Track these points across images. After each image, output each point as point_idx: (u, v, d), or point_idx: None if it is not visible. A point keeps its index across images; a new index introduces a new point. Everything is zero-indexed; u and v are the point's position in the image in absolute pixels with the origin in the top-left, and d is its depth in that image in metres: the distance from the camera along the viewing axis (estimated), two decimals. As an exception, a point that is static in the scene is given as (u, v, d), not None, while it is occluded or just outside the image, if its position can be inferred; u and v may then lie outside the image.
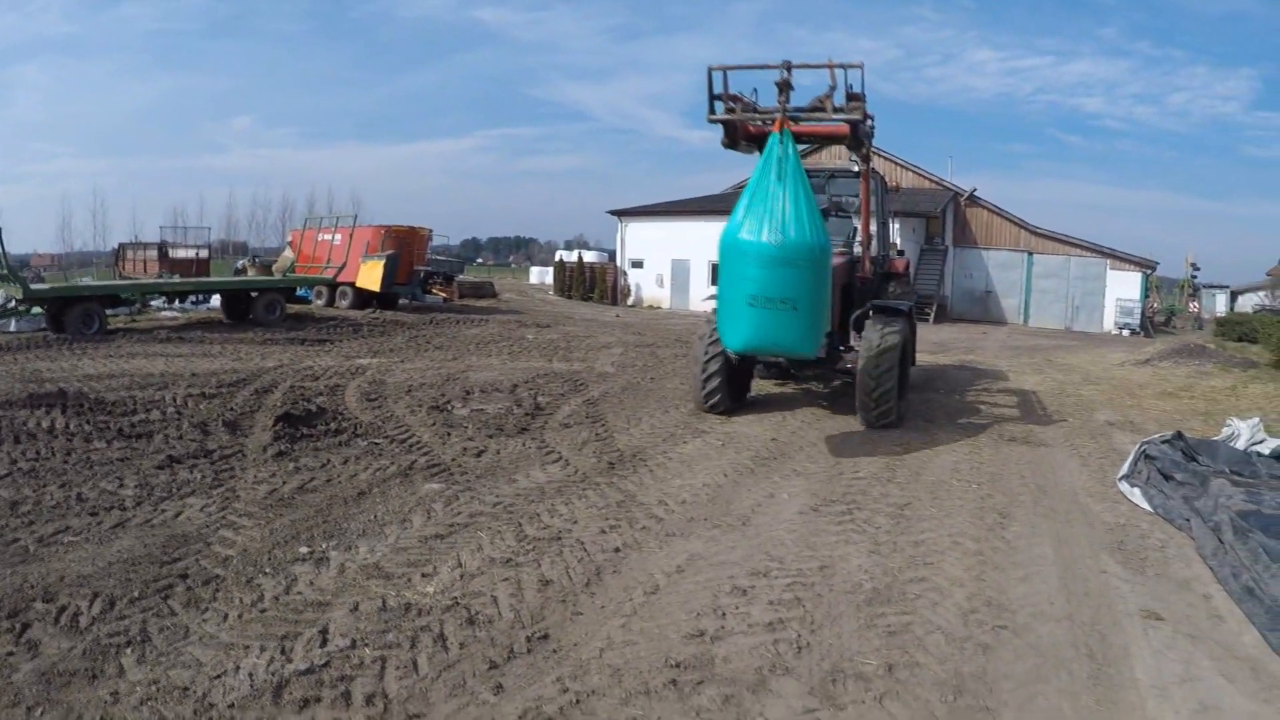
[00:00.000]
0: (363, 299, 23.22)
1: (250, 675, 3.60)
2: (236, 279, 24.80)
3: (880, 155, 32.65)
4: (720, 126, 8.24)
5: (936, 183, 34.31)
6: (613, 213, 36.01)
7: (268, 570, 4.77)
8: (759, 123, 8.22)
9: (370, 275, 22.56)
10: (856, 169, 10.55)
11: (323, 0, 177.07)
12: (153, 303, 20.19)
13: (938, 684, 3.75)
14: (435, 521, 5.74)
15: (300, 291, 23.50)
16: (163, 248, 32.65)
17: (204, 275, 29.27)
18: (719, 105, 8.00)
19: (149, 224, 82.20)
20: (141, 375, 11.07)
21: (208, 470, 6.72)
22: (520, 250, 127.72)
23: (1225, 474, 6.95)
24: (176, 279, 24.27)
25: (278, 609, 4.28)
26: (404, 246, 24.67)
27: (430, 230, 28.52)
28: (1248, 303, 41.15)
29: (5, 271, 15.73)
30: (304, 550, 5.10)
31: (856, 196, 10.82)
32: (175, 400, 9.33)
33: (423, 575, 4.79)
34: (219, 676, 3.58)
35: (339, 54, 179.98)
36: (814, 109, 7.76)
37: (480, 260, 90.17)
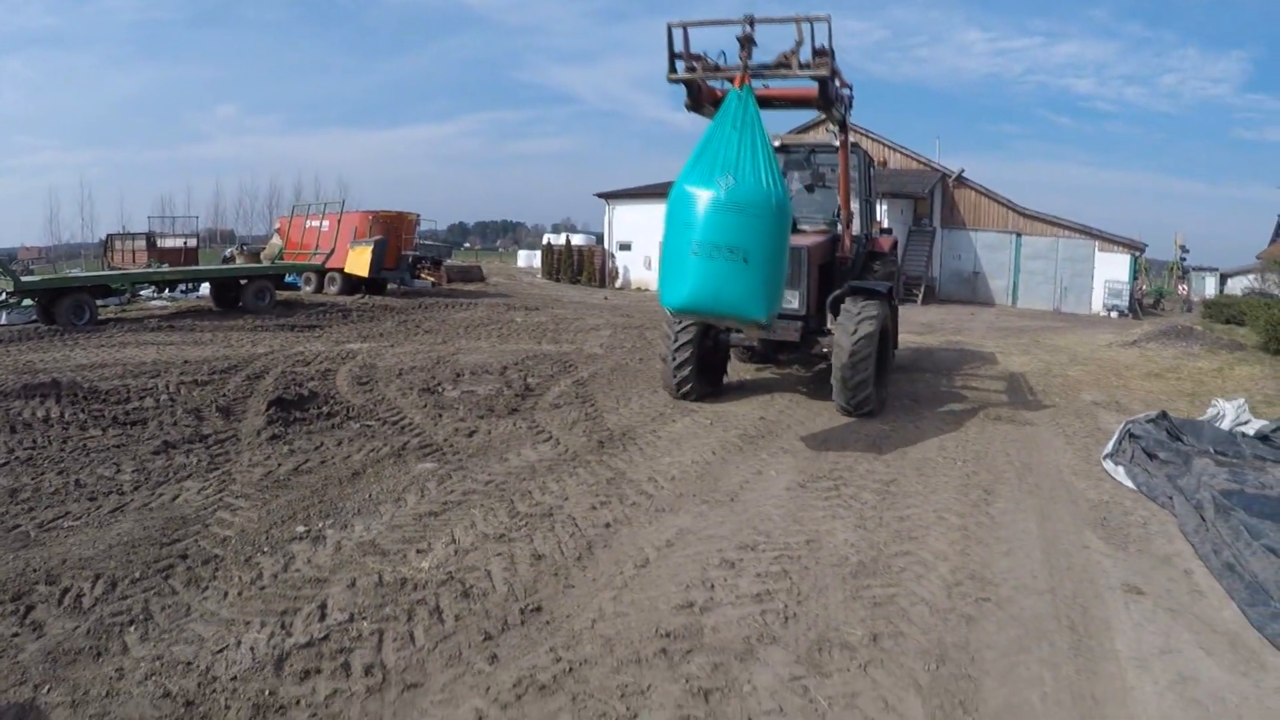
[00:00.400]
0: (351, 284, 23.23)
1: (252, 649, 3.68)
2: (225, 267, 24.71)
3: (868, 136, 32.67)
4: (683, 88, 7.72)
5: (924, 164, 34.22)
6: (600, 195, 35.94)
7: (266, 549, 4.84)
8: (721, 83, 7.67)
9: (358, 261, 22.54)
10: (838, 143, 10.01)
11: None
12: (142, 292, 20.14)
13: (921, 653, 3.86)
14: (429, 500, 5.83)
15: (289, 278, 23.46)
16: (151, 238, 32.41)
17: (193, 264, 29.13)
18: (680, 64, 7.51)
19: (136, 215, 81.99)
20: (134, 364, 11.08)
21: (203, 454, 6.77)
22: (508, 234, 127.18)
23: (1209, 453, 7.03)
24: (166, 268, 24.17)
25: (277, 586, 4.36)
26: (392, 232, 24.64)
27: (418, 215, 28.51)
28: (1237, 285, 41.19)
29: None
30: (301, 529, 5.18)
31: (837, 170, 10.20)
32: (168, 387, 9.35)
33: (418, 551, 4.88)
34: (221, 651, 3.67)
35: (324, 40, 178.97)
36: (779, 65, 7.27)
37: (468, 245, 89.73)
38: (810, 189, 11.07)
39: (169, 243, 32.67)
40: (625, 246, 34.85)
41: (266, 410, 8.15)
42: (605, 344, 14.46)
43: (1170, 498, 6.21)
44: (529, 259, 48.71)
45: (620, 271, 34.76)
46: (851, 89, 8.78)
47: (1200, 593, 4.73)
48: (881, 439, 8.05)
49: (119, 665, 3.55)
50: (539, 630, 3.99)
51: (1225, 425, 8.15)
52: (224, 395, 9.03)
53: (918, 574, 4.78)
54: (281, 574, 4.51)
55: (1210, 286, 44.16)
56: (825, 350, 9.45)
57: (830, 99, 7.90)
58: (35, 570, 4.46)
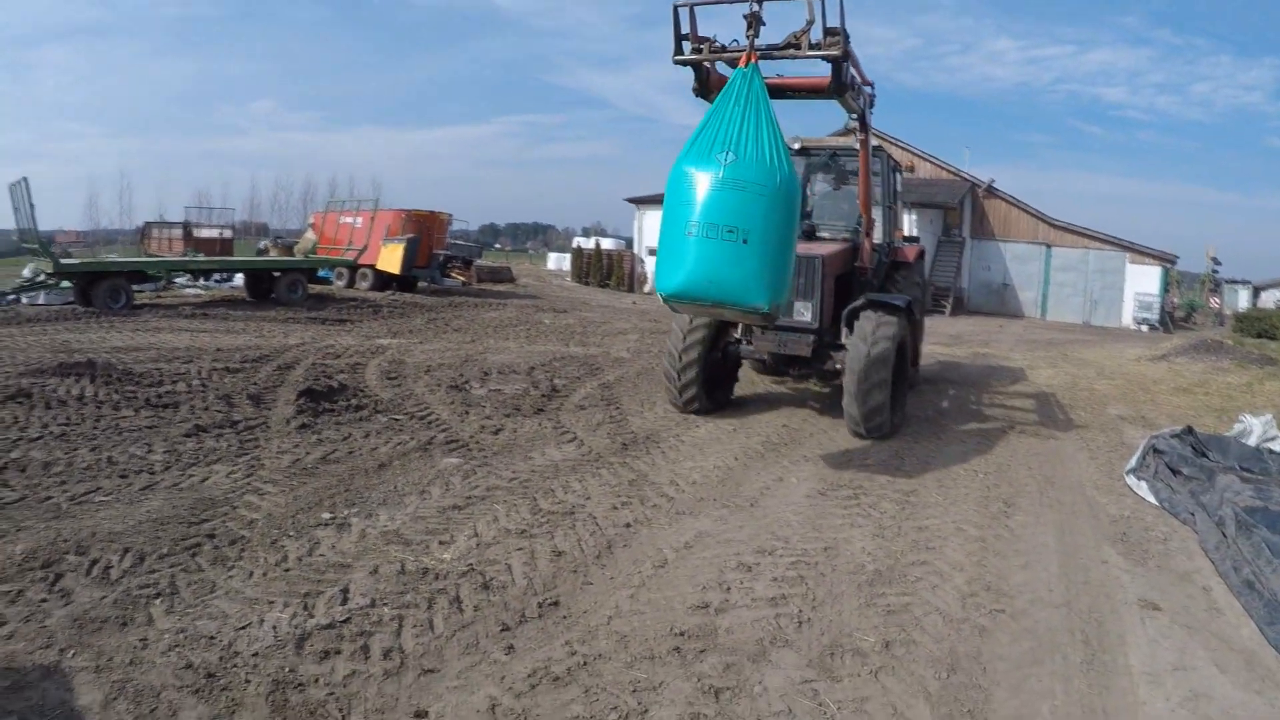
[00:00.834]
0: (383, 281, 23.45)
1: (274, 627, 3.79)
2: (260, 259, 25.11)
3: (898, 144, 32.46)
4: (691, 70, 7.36)
5: (954, 173, 33.90)
6: (630, 200, 36.04)
7: (291, 533, 4.96)
8: (728, 63, 7.10)
9: (391, 258, 22.79)
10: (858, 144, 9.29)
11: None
12: (178, 280, 20.49)
13: (933, 661, 3.87)
14: (453, 493, 5.92)
15: (321, 273, 23.75)
16: (187, 227, 33.09)
17: (228, 255, 29.64)
18: (687, 46, 7.11)
19: (173, 204, 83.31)
20: (167, 349, 11.32)
21: (233, 440, 6.93)
22: (538, 236, 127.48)
23: (1235, 470, 6.92)
24: (201, 257, 24.60)
25: (301, 569, 4.47)
26: (424, 230, 24.87)
27: (450, 215, 28.82)
28: (1270, 298, 40.49)
29: (37, 246, 16.05)
30: (326, 516, 5.29)
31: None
32: (200, 373, 9.55)
33: (440, 543, 4.96)
34: (244, 628, 3.77)
35: (360, 40, 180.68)
36: (788, 45, 6.86)
37: (498, 245, 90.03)
38: (834, 189, 10.83)
39: (205, 233, 33.33)
40: (654, 252, 34.76)
41: (296, 400, 8.31)
42: (632, 348, 14.51)
43: (1192, 514, 6.14)
44: (558, 262, 48.82)
45: (649, 276, 34.77)
46: (873, 86, 8.47)
47: (1218, 610, 4.69)
48: (904, 450, 8.02)
49: (144, 635, 3.67)
50: (556, 624, 4.05)
51: (1252, 441, 8.01)
52: (255, 383, 9.20)
53: (933, 584, 4.78)
54: (306, 558, 4.62)
55: (1243, 299, 43.29)
56: (838, 366, 8.87)
57: (844, 84, 7.25)
58: (66, 540, 4.61)
